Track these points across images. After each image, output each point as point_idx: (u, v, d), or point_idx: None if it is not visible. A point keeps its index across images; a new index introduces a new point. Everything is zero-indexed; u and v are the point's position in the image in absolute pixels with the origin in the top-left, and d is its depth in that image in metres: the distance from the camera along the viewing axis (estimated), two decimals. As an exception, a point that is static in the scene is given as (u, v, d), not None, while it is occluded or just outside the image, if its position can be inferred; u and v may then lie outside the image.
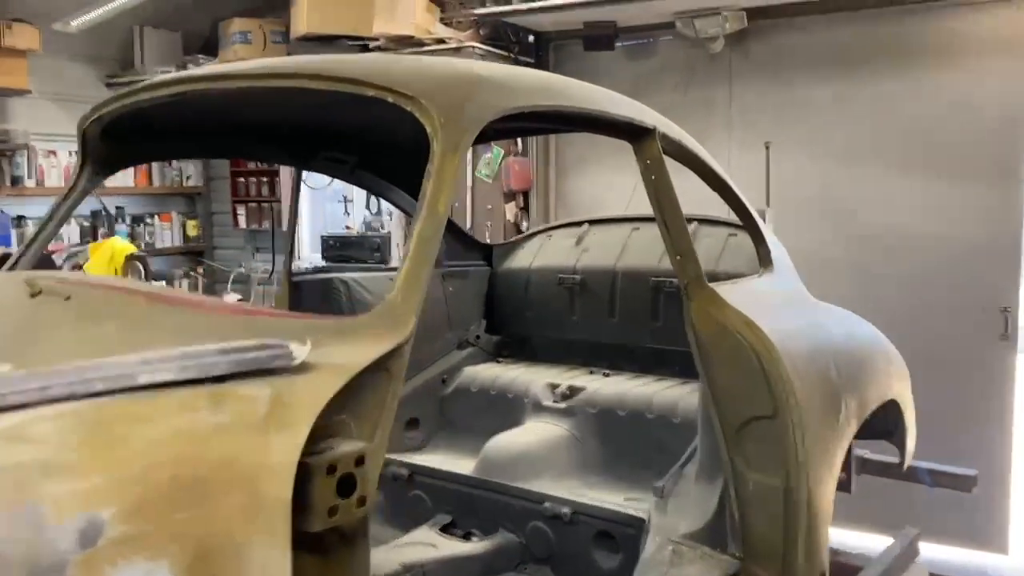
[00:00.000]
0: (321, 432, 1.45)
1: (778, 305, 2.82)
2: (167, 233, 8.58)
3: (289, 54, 7.23)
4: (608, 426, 3.48)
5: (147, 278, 5.28)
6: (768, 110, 6.10)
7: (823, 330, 2.96)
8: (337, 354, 1.52)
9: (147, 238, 8.36)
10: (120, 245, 5.32)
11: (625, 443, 3.43)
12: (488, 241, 6.77)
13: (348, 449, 1.48)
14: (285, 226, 7.87)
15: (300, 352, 1.43)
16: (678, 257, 2.55)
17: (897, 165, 5.73)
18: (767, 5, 5.78)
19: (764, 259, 3.07)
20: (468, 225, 6.97)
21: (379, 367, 1.56)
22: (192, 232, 8.82)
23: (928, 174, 5.65)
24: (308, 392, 1.44)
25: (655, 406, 3.42)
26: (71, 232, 7.65)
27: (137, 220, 8.30)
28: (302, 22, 6.65)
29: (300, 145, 3.52)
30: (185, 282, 8.69)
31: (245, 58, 7.19)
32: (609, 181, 6.48)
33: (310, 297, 3.74)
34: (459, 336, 4.22)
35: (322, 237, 7.64)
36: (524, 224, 7.10)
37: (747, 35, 6.06)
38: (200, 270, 8.89)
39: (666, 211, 2.55)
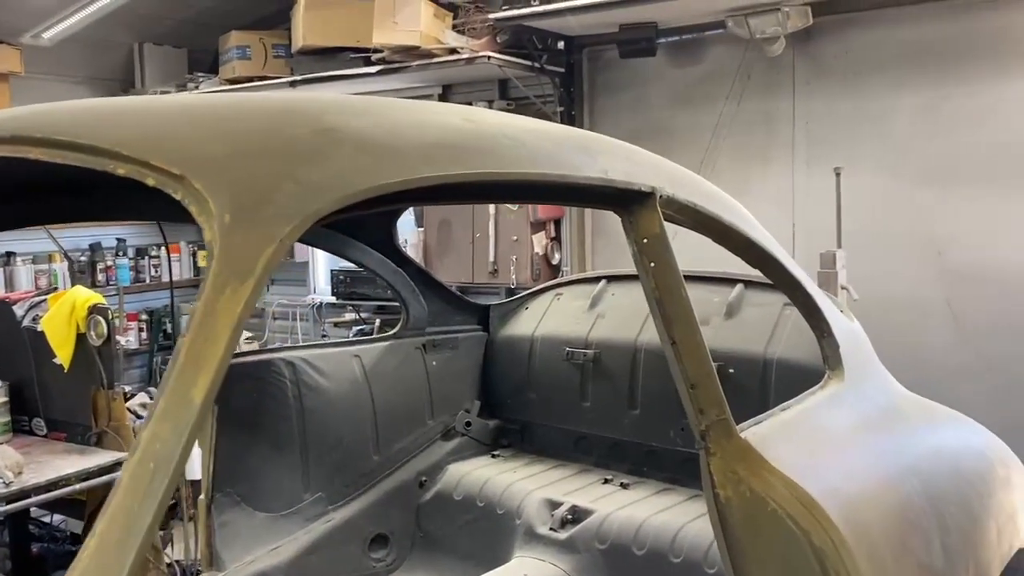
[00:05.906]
0: None
1: (853, 443, 1.89)
2: (176, 265, 7.89)
3: (292, 70, 6.47)
4: (620, 570, 2.58)
5: (110, 334, 4.53)
6: (840, 124, 5.16)
7: (922, 477, 2.01)
8: None
9: (152, 272, 7.70)
10: (82, 296, 4.59)
11: (642, 597, 2.53)
12: (513, 283, 5.93)
13: None
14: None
15: None
16: (691, 388, 1.65)
17: (1000, 187, 4.72)
18: (836, -3, 4.82)
19: (831, 359, 2.12)
20: (491, 259, 6.11)
21: None
22: (204, 263, 8.14)
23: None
24: None
25: (684, 544, 2.54)
26: (63, 269, 7.01)
27: (141, 253, 7.64)
28: (299, 34, 5.88)
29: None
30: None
31: (242, 76, 6.46)
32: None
33: (244, 384, 2.91)
34: (445, 423, 3.37)
35: (331, 272, 6.86)
36: (556, 257, 6.21)
37: (813, 34, 5.13)
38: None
39: (673, 316, 1.66)
